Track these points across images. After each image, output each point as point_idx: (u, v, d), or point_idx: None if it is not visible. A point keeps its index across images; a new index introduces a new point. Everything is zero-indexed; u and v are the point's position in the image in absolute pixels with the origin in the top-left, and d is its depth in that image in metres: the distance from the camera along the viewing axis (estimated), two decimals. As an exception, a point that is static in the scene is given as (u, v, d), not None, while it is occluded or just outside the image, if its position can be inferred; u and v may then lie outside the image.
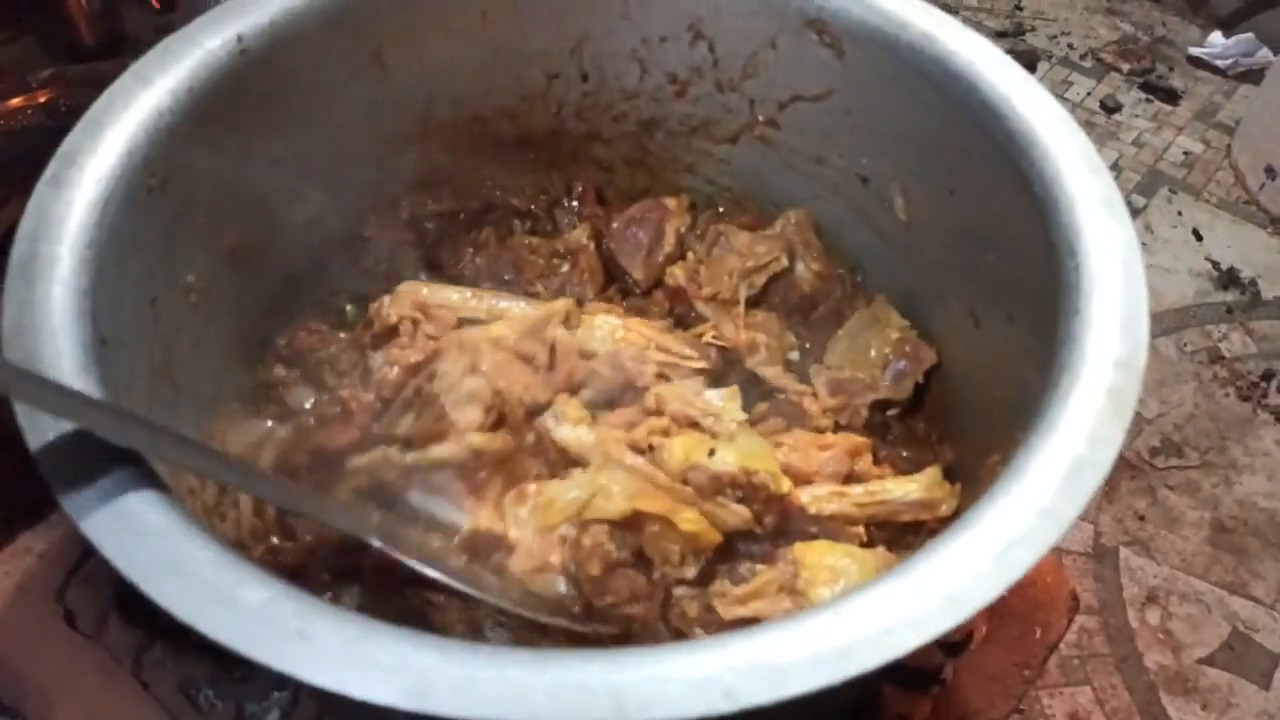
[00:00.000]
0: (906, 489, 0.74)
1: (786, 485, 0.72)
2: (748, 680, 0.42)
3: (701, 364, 0.81)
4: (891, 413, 0.82)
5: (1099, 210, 0.62)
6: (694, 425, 0.75)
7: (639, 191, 0.97)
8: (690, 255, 0.90)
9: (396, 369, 0.77)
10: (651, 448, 0.73)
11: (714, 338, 0.84)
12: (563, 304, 0.80)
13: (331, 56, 0.78)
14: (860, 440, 0.77)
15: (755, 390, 0.82)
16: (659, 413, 0.75)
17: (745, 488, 0.71)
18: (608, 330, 0.80)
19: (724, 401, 0.76)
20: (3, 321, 0.54)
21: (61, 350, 0.53)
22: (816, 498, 0.73)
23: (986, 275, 0.74)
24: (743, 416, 0.76)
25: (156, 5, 1.16)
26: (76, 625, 0.75)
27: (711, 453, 0.72)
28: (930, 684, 0.79)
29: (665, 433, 0.74)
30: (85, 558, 0.77)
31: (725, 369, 0.83)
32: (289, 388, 0.80)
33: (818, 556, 0.69)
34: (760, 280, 0.87)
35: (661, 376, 0.78)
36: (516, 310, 0.82)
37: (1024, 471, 0.51)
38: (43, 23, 1.13)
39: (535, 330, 0.77)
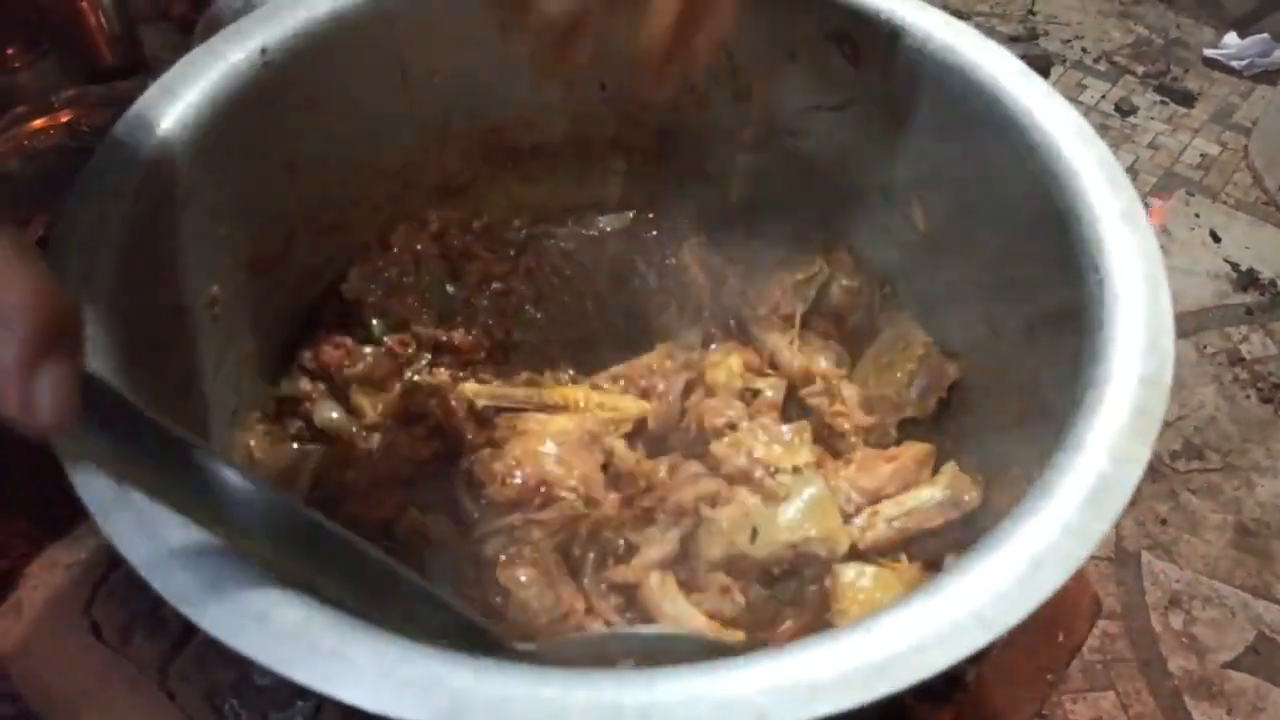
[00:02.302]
0: (930, 492, 0.74)
1: (844, 545, 0.71)
2: (779, 700, 0.42)
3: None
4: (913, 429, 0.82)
5: (1121, 224, 0.62)
6: (750, 481, 0.74)
7: (655, 199, 0.97)
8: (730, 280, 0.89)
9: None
10: (698, 511, 0.73)
11: (770, 367, 0.84)
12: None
13: (353, 67, 0.78)
14: (925, 447, 0.77)
15: (792, 406, 0.83)
16: (715, 470, 0.75)
17: (791, 562, 0.71)
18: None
19: (790, 440, 0.76)
20: None
21: (88, 361, 0.54)
22: (858, 528, 0.73)
23: (1007, 287, 0.73)
24: (810, 458, 0.75)
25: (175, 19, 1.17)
26: (103, 637, 0.76)
27: (754, 535, 0.70)
28: (953, 689, 0.79)
29: (714, 501, 0.73)
30: (111, 570, 0.77)
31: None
32: (314, 403, 0.80)
33: (850, 581, 0.69)
34: (811, 292, 0.87)
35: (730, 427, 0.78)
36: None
37: (1051, 490, 0.50)
38: (63, 45, 1.14)
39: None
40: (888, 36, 0.76)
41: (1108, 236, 0.61)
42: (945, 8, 0.76)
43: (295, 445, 0.78)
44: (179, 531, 0.47)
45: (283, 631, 0.44)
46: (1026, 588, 0.47)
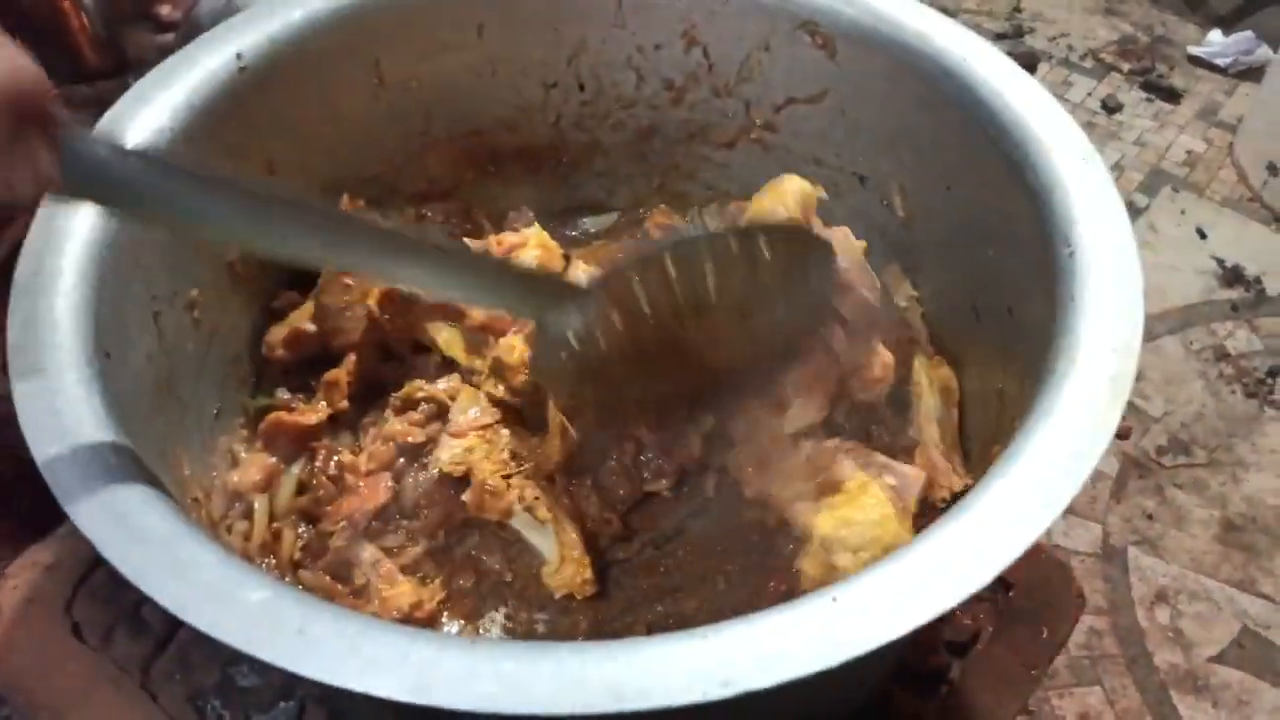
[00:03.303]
0: None
1: None
2: (744, 666, 0.42)
3: None
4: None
5: (1091, 198, 0.62)
6: None
7: (639, 198, 0.97)
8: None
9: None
10: None
11: None
12: None
13: (330, 72, 0.79)
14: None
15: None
16: None
17: None
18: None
19: None
20: (9, 335, 0.55)
21: (65, 362, 0.54)
22: None
23: (986, 268, 0.74)
24: None
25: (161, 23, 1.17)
26: (83, 638, 0.76)
27: None
28: (938, 685, 0.79)
29: None
30: (92, 570, 0.77)
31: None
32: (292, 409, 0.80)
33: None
34: None
35: None
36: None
37: (1022, 454, 0.51)
38: (45, 46, 1.14)
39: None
40: (857, 25, 0.77)
41: (1078, 211, 0.62)
42: (931, 4, 0.77)
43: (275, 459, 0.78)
44: (150, 519, 0.47)
45: (248, 611, 0.44)
46: (995, 550, 0.47)
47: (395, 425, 0.76)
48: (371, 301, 0.78)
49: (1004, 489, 0.49)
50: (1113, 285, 0.58)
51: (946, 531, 0.48)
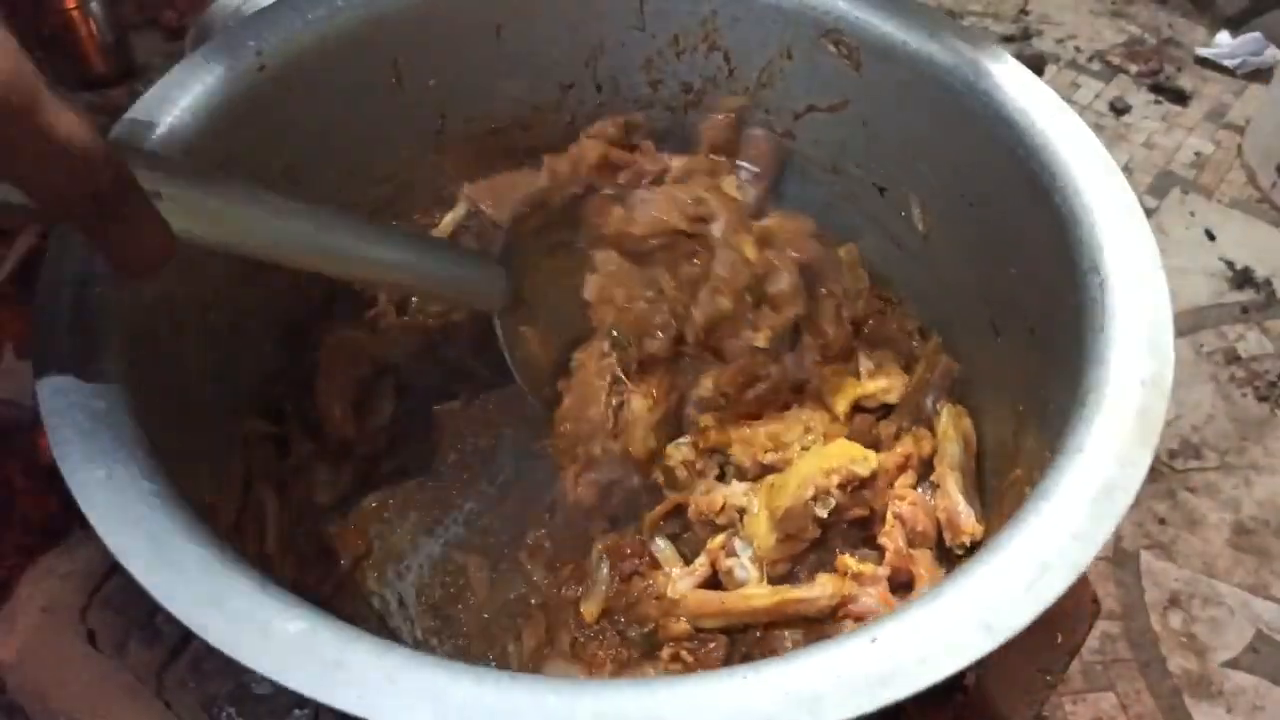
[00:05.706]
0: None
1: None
2: (785, 709, 0.41)
3: None
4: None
5: (1121, 225, 0.62)
6: None
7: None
8: None
9: None
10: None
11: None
12: None
13: (348, 72, 0.78)
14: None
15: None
16: None
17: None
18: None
19: None
20: (34, 351, 0.54)
21: (94, 380, 0.53)
22: None
23: (1007, 287, 0.73)
24: None
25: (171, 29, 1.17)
26: (98, 646, 0.75)
27: None
28: (952, 692, 0.78)
29: None
30: (106, 578, 0.77)
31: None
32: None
33: None
34: None
35: None
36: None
37: (1053, 494, 0.50)
38: (54, 53, 1.14)
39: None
40: (885, 37, 0.76)
41: (1107, 238, 0.61)
42: (938, 8, 0.76)
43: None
44: (183, 545, 0.47)
45: (285, 642, 0.43)
46: (1030, 594, 0.46)
47: None
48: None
49: (1038, 530, 0.49)
50: (1143, 318, 0.57)
51: (983, 572, 0.47)
